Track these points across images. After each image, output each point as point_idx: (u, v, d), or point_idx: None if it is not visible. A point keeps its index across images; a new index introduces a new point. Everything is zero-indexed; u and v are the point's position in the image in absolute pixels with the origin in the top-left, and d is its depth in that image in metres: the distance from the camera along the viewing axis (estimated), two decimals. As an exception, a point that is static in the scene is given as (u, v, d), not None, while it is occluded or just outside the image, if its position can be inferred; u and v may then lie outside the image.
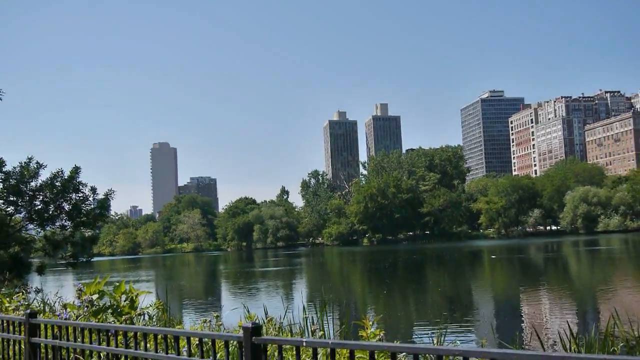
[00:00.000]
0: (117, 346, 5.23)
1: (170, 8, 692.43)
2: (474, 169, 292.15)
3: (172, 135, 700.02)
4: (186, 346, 4.75)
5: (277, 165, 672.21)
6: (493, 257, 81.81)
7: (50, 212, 34.25)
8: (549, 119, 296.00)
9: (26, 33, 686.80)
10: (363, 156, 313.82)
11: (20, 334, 6.38)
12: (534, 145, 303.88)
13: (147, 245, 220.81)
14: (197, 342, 4.66)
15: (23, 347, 6.30)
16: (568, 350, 10.25)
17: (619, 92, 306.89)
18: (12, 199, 33.19)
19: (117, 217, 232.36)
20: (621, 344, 9.88)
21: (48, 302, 19.23)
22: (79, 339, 5.60)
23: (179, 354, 4.75)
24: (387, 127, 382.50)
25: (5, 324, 6.71)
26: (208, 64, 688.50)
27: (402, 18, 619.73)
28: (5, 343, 6.69)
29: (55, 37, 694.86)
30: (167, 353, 4.80)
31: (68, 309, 6.78)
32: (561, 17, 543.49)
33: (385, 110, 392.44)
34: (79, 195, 34.78)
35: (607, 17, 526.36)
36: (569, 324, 11.93)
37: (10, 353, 6.59)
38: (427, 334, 22.96)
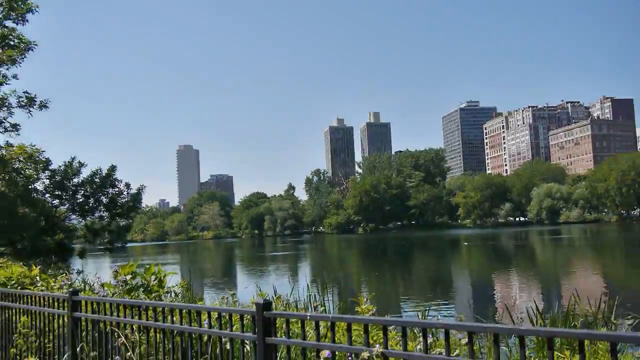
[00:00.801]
0: (147, 319, 5.22)
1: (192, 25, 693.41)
2: (453, 168, 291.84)
3: (195, 138, 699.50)
4: (207, 319, 4.74)
5: (285, 164, 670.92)
6: (466, 244, 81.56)
7: (90, 205, 34.37)
8: (518, 125, 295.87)
9: (65, 37, 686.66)
10: (358, 157, 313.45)
11: (64, 310, 6.38)
12: (504, 148, 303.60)
13: (173, 233, 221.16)
14: (216, 316, 4.65)
15: (66, 320, 6.30)
16: (535, 325, 10.24)
17: (578, 102, 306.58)
18: (57, 193, 33.32)
19: (147, 209, 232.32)
20: (581, 319, 9.86)
21: (88, 282, 19.22)
22: (115, 314, 5.61)
23: (200, 326, 4.75)
24: (379, 132, 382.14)
25: (51, 301, 6.72)
26: (228, 78, 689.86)
27: (391, 37, 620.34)
28: (51, 317, 6.70)
29: (94, 45, 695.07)
30: (190, 325, 4.80)
31: (105, 288, 6.77)
32: (531, 34, 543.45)
33: (377, 118, 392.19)
34: (115, 190, 34.95)
35: (571, 34, 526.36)
36: (535, 302, 11.88)
37: (56, 325, 6.60)
38: (413, 309, 22.96)
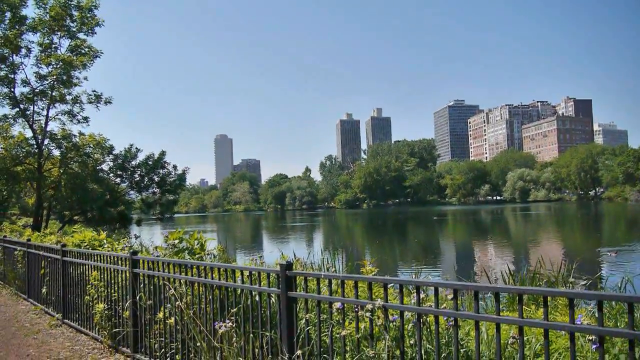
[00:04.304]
0: (192, 275, 5.31)
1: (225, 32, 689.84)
2: (442, 155, 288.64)
3: (230, 128, 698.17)
4: (240, 277, 4.82)
5: (303, 150, 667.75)
6: (434, 218, 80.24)
7: (145, 182, 34.65)
8: (497, 120, 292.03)
9: (122, 32, 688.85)
10: (364, 145, 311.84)
11: (126, 266, 6.51)
12: (485, 139, 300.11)
13: (211, 206, 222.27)
14: (248, 274, 4.72)
15: (128, 275, 6.43)
16: (507, 283, 10.25)
17: (546, 101, 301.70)
18: (119, 173, 33.64)
19: (190, 186, 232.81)
20: (544, 280, 9.84)
21: (144, 244, 19.50)
22: (166, 270, 5.70)
23: (234, 282, 4.82)
24: (381, 125, 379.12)
25: (115, 259, 6.87)
26: (258, 78, 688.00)
27: (393, 44, 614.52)
28: (115, 272, 6.85)
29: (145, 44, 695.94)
30: (227, 281, 4.88)
31: (158, 250, 6.87)
32: (507, 40, 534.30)
33: (380, 113, 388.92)
34: (165, 170, 35.15)
35: (541, 42, 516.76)
36: (508, 265, 11.87)
37: (119, 279, 6.76)
38: (408, 270, 23.01)
